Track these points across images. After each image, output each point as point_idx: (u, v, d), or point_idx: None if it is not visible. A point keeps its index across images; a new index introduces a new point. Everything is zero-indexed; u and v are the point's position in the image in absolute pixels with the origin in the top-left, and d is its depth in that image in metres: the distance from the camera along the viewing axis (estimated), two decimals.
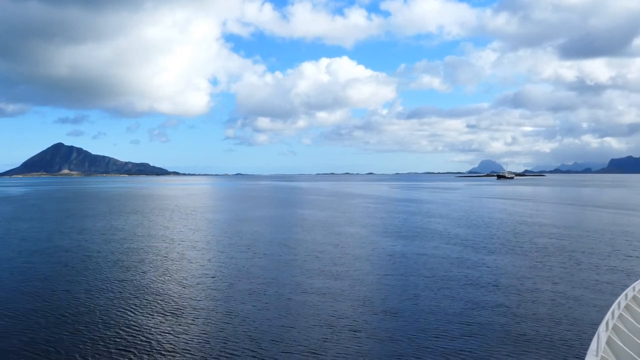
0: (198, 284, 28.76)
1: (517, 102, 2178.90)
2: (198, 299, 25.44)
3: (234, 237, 48.93)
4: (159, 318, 22.22)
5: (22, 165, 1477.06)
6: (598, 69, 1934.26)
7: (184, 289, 27.51)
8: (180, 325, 21.20)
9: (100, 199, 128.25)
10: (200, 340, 19.31)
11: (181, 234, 51.41)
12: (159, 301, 24.97)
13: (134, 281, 29.40)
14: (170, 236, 49.36)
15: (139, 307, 23.99)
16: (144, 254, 38.67)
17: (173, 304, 24.50)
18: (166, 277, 30.36)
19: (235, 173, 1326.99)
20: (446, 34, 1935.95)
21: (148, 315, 22.61)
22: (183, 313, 22.92)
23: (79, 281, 29.35)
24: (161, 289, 27.59)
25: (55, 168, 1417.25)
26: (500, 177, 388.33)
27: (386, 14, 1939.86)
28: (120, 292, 26.74)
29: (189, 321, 21.72)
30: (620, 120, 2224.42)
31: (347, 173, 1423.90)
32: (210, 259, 36.96)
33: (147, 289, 27.56)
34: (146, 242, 45.47)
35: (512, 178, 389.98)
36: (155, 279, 30.02)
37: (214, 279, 30.09)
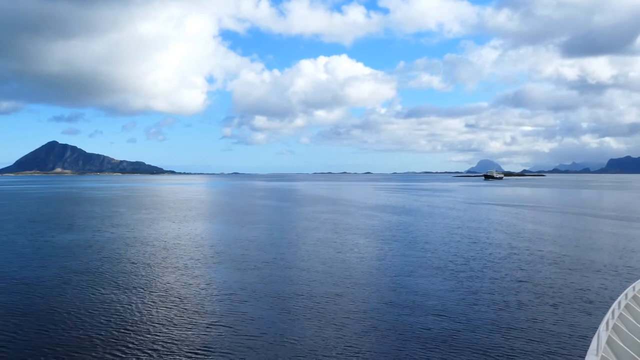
0: None
1: (517, 101, 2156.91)
2: None
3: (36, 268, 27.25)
4: None
5: (15, 164, 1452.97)
6: (600, 67, 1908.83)
7: None
8: None
9: (19, 204, 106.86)
10: None
11: None
12: None
13: None
14: None
15: None
16: None
17: None
18: None
19: (231, 172, 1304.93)
20: (446, 31, 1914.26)
21: None
22: None
23: None
24: None
25: (48, 166, 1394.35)
26: (487, 177, 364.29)
27: (385, 11, 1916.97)
28: None
29: None
30: (621, 120, 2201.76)
31: (344, 172, 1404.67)
32: None
33: None
34: None
35: (500, 178, 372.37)
36: None
37: None
